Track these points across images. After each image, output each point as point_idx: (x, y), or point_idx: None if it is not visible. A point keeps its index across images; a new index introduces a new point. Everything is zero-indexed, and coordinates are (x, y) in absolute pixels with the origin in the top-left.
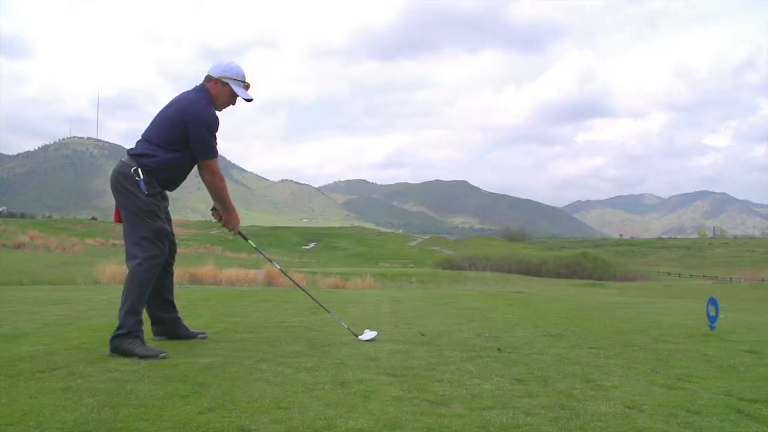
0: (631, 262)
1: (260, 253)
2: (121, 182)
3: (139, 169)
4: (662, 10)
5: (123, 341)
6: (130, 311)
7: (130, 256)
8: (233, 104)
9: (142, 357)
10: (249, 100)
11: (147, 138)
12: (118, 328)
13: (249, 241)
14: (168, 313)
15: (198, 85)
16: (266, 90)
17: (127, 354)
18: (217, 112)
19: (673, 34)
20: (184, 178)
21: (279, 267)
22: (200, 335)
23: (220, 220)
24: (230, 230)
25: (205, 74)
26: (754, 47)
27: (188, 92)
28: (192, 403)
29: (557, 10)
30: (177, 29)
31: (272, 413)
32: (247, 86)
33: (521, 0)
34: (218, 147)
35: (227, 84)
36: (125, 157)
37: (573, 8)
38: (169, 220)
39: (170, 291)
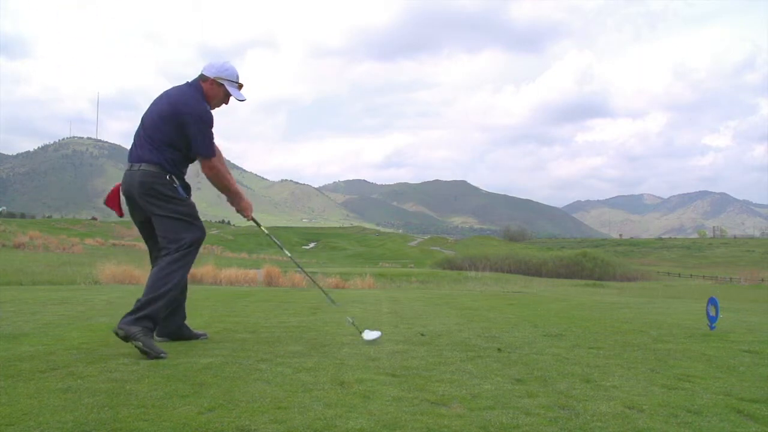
0: (631, 262)
1: (274, 240)
2: (156, 188)
3: (172, 175)
4: (662, 10)
5: (142, 328)
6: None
7: (173, 244)
8: (226, 104)
9: (146, 347)
10: (242, 101)
11: (151, 138)
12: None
13: (262, 227)
14: (177, 315)
15: (191, 81)
16: (266, 90)
17: (138, 341)
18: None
19: (673, 34)
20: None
21: (289, 255)
22: (202, 336)
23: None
24: (244, 216)
25: (200, 73)
26: (754, 47)
27: (180, 87)
28: (192, 403)
29: (557, 10)
30: (177, 29)
31: (272, 413)
32: (240, 86)
33: (521, 0)
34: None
35: (222, 85)
36: (144, 165)
37: (572, 8)
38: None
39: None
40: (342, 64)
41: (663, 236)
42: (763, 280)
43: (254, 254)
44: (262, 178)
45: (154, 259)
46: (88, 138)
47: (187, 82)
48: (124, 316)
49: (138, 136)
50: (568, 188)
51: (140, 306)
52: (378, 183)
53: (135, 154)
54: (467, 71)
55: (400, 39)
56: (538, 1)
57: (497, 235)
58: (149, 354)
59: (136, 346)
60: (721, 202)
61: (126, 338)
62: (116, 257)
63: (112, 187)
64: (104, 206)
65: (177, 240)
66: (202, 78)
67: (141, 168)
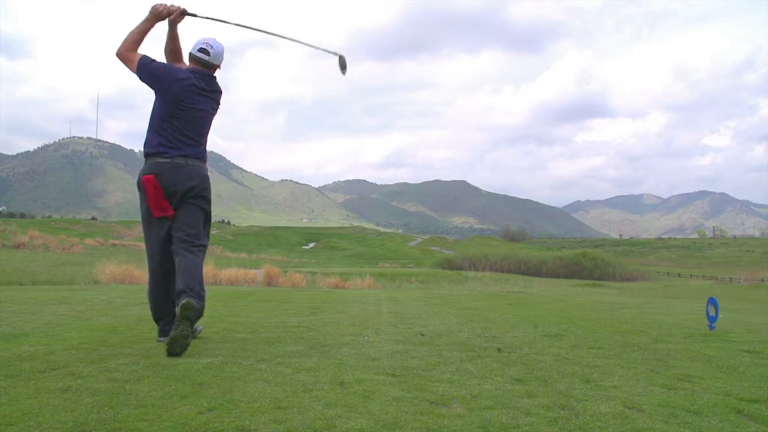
0: (630, 262)
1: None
2: (209, 186)
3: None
4: (662, 10)
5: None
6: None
7: (201, 241)
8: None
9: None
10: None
11: (200, 134)
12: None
13: (199, 16)
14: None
15: (206, 69)
16: (266, 90)
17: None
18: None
19: (673, 34)
20: None
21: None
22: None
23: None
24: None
25: (206, 60)
26: (753, 47)
27: (214, 83)
28: (191, 403)
29: (556, 10)
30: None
31: (272, 413)
32: (203, 50)
33: (521, 0)
34: (209, 140)
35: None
36: (197, 160)
37: (572, 9)
38: None
39: None
40: None
41: (663, 236)
42: (763, 280)
43: (254, 254)
44: (262, 178)
45: (167, 251)
46: (88, 138)
47: (201, 70)
48: (190, 293)
49: (174, 127)
50: (567, 188)
51: (200, 295)
52: (378, 183)
53: (179, 147)
54: (467, 71)
55: (400, 39)
56: (537, 2)
57: (497, 235)
58: (188, 338)
59: (186, 317)
60: (721, 202)
61: (193, 309)
62: (116, 257)
63: (148, 190)
64: (103, 206)
65: (198, 236)
66: (210, 68)
67: (194, 163)
